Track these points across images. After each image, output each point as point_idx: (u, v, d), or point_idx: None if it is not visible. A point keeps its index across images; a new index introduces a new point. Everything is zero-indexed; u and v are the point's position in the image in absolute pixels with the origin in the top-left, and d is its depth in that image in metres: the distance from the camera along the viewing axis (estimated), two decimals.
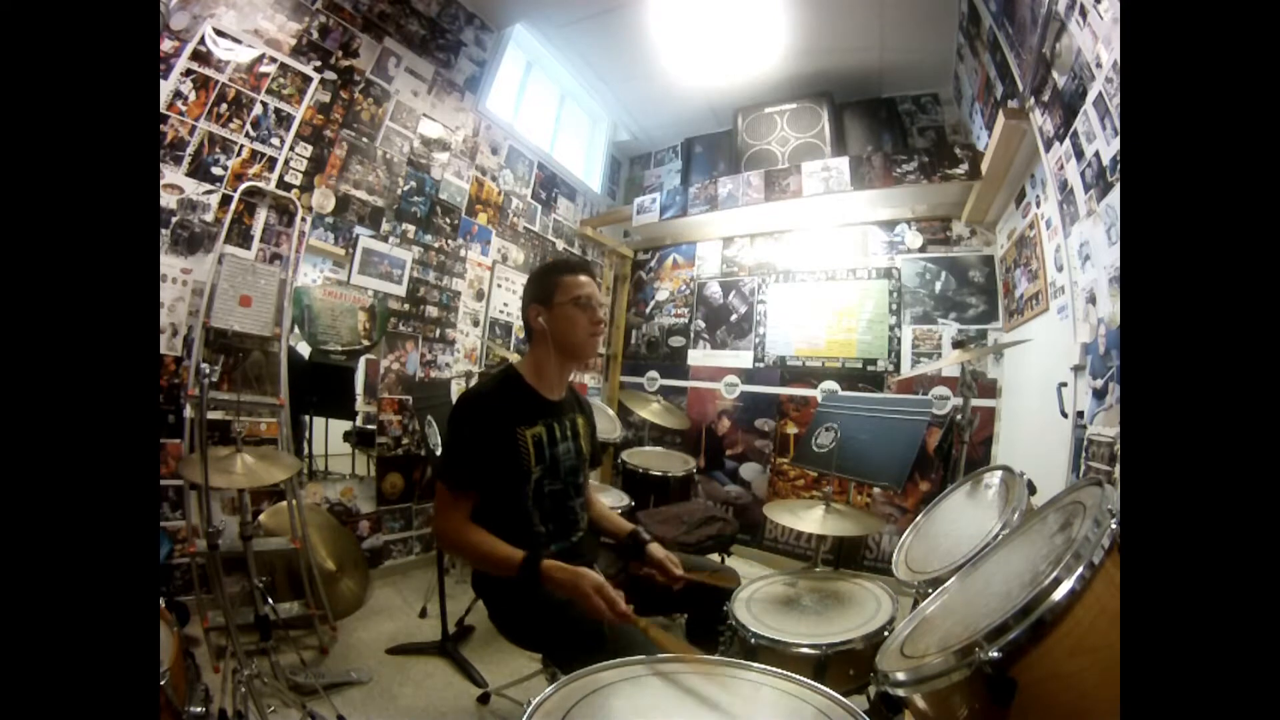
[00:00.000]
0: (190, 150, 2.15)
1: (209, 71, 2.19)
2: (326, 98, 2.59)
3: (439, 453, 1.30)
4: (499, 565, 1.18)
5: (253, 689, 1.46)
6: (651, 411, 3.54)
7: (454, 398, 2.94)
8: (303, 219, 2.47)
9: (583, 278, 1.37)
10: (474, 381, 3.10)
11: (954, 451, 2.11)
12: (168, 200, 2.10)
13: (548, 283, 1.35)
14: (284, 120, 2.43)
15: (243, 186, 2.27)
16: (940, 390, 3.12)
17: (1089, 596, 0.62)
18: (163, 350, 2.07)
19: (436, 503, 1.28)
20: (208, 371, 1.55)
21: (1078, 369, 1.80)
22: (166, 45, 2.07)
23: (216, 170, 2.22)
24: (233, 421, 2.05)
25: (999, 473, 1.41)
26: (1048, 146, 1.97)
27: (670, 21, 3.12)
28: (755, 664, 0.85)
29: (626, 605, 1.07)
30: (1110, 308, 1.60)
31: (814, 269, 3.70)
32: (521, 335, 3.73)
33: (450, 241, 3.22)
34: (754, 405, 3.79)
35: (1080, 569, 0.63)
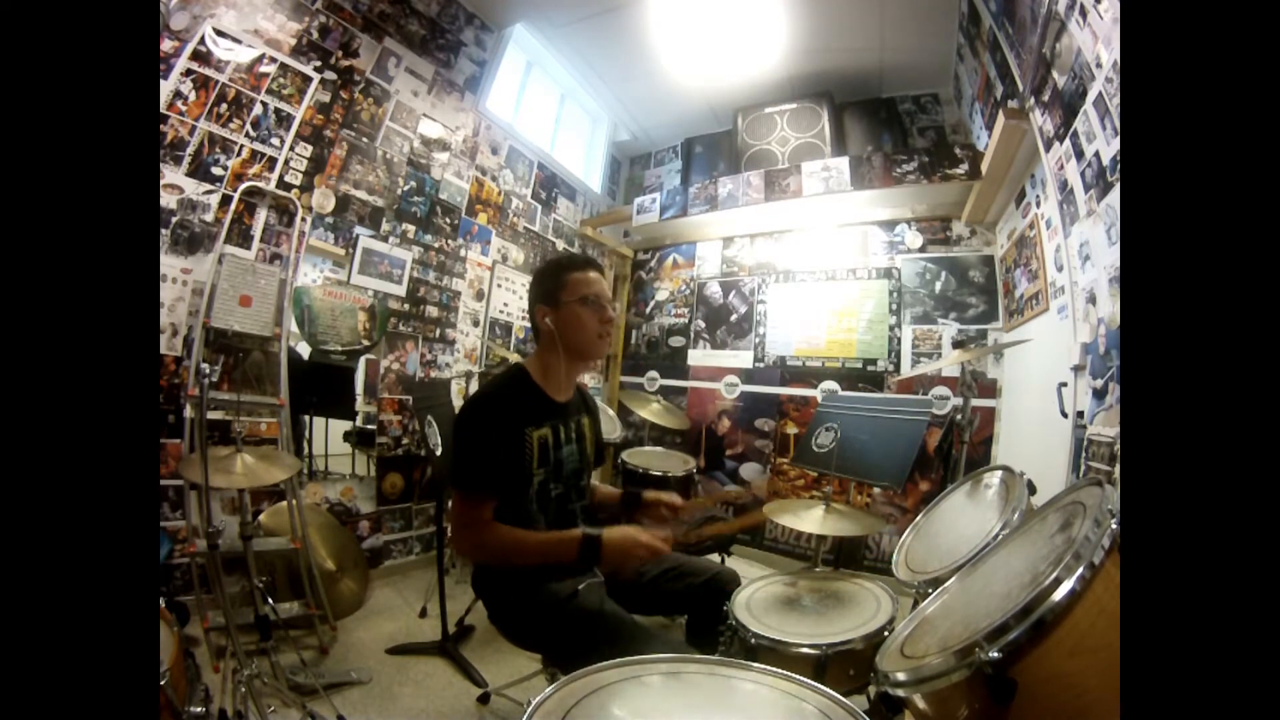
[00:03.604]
0: (190, 150, 2.15)
1: (209, 71, 2.19)
2: (326, 98, 2.59)
3: (452, 459, 1.26)
4: (551, 553, 1.17)
5: (253, 689, 1.46)
6: (651, 411, 3.53)
7: (454, 398, 2.95)
8: (303, 219, 2.47)
9: (591, 274, 1.32)
10: (474, 382, 3.11)
11: (954, 451, 2.11)
12: (168, 200, 2.10)
13: (554, 281, 1.31)
14: (284, 120, 2.43)
15: (243, 186, 2.27)
16: (940, 390, 3.12)
17: (1089, 597, 0.62)
18: (163, 350, 2.07)
19: (456, 513, 1.21)
20: (208, 371, 1.55)
21: (1078, 369, 1.80)
22: (166, 45, 2.07)
23: (216, 170, 2.22)
24: (233, 421, 2.05)
25: (999, 473, 1.41)
26: (1048, 146, 1.97)
27: (670, 21, 3.12)
28: (755, 664, 0.85)
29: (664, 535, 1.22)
30: (1110, 308, 1.60)
31: (814, 269, 3.70)
32: (522, 335, 3.73)
33: (450, 241, 3.22)
34: (754, 405, 3.79)
35: (1080, 569, 0.63)
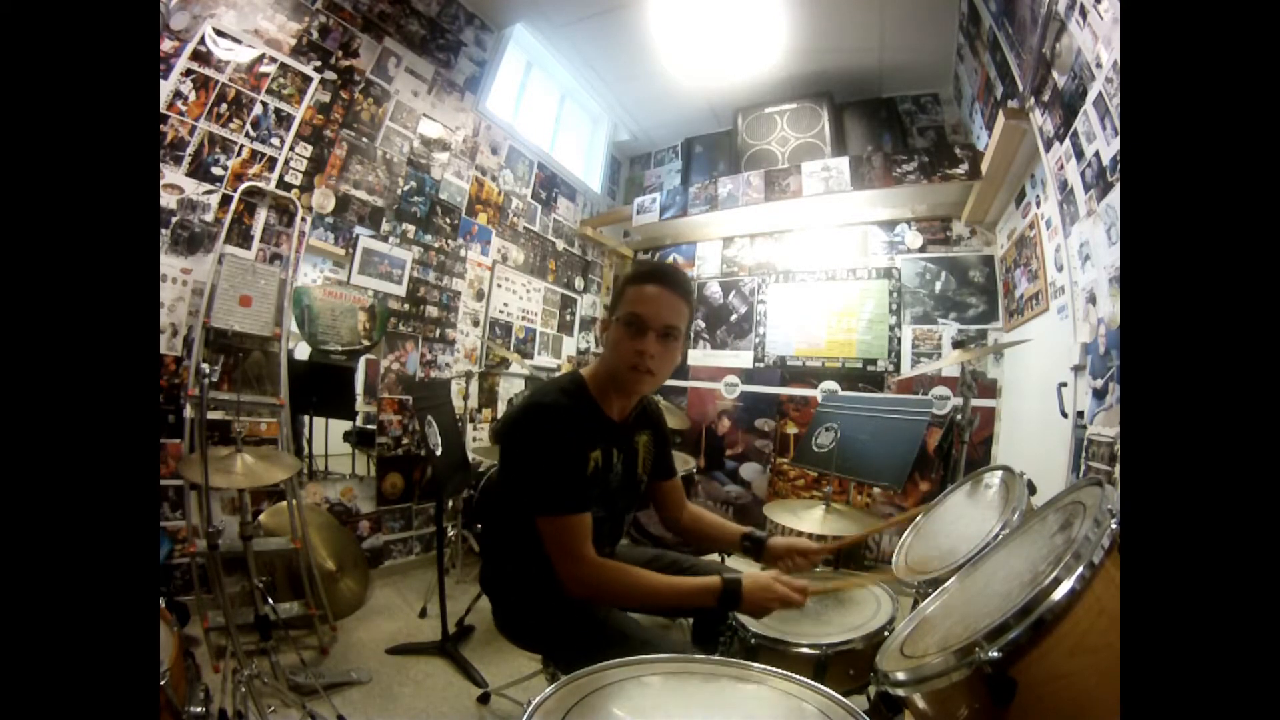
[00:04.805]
0: (190, 150, 2.15)
1: (209, 71, 2.19)
2: (326, 98, 2.59)
3: (529, 482, 1.12)
4: (686, 601, 1.09)
5: (253, 689, 1.46)
6: None
7: (454, 398, 2.96)
8: (303, 219, 2.47)
9: (647, 289, 1.13)
10: (473, 382, 3.11)
11: (954, 451, 2.11)
12: (168, 200, 2.10)
13: (618, 290, 1.21)
14: (284, 120, 2.43)
15: (243, 186, 2.27)
16: (940, 390, 3.12)
17: (1089, 596, 0.62)
18: (163, 350, 2.07)
19: (555, 543, 1.08)
20: (208, 371, 1.55)
21: (1078, 369, 1.80)
22: (166, 45, 2.07)
23: (216, 170, 2.22)
24: (233, 421, 2.05)
25: (999, 473, 1.41)
26: (1048, 146, 1.97)
27: (670, 22, 3.12)
28: (755, 664, 0.85)
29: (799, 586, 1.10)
30: (1110, 308, 1.60)
31: (814, 269, 3.70)
32: (522, 335, 3.74)
33: (450, 241, 3.22)
34: (754, 405, 3.79)
35: (1080, 569, 0.63)
